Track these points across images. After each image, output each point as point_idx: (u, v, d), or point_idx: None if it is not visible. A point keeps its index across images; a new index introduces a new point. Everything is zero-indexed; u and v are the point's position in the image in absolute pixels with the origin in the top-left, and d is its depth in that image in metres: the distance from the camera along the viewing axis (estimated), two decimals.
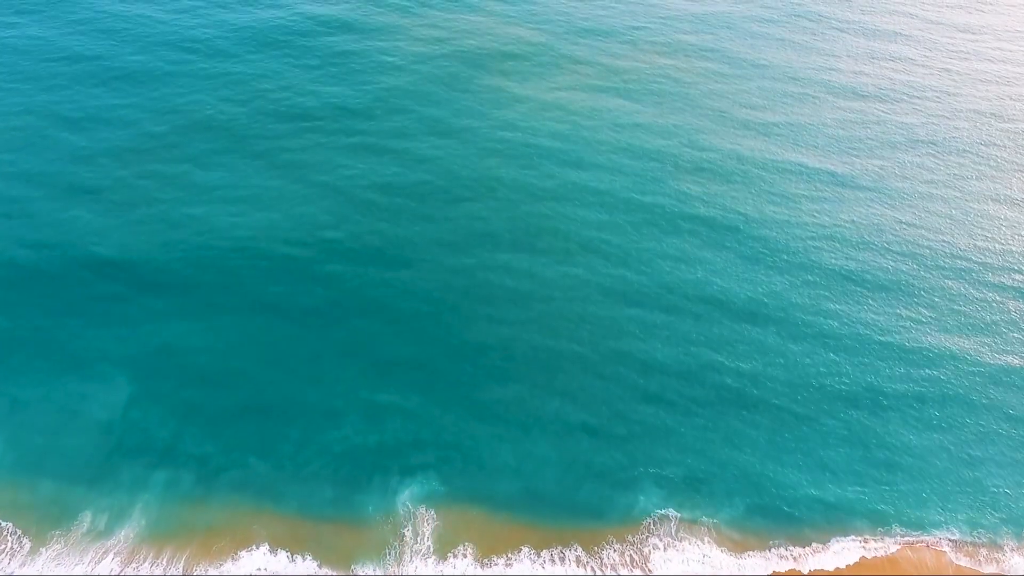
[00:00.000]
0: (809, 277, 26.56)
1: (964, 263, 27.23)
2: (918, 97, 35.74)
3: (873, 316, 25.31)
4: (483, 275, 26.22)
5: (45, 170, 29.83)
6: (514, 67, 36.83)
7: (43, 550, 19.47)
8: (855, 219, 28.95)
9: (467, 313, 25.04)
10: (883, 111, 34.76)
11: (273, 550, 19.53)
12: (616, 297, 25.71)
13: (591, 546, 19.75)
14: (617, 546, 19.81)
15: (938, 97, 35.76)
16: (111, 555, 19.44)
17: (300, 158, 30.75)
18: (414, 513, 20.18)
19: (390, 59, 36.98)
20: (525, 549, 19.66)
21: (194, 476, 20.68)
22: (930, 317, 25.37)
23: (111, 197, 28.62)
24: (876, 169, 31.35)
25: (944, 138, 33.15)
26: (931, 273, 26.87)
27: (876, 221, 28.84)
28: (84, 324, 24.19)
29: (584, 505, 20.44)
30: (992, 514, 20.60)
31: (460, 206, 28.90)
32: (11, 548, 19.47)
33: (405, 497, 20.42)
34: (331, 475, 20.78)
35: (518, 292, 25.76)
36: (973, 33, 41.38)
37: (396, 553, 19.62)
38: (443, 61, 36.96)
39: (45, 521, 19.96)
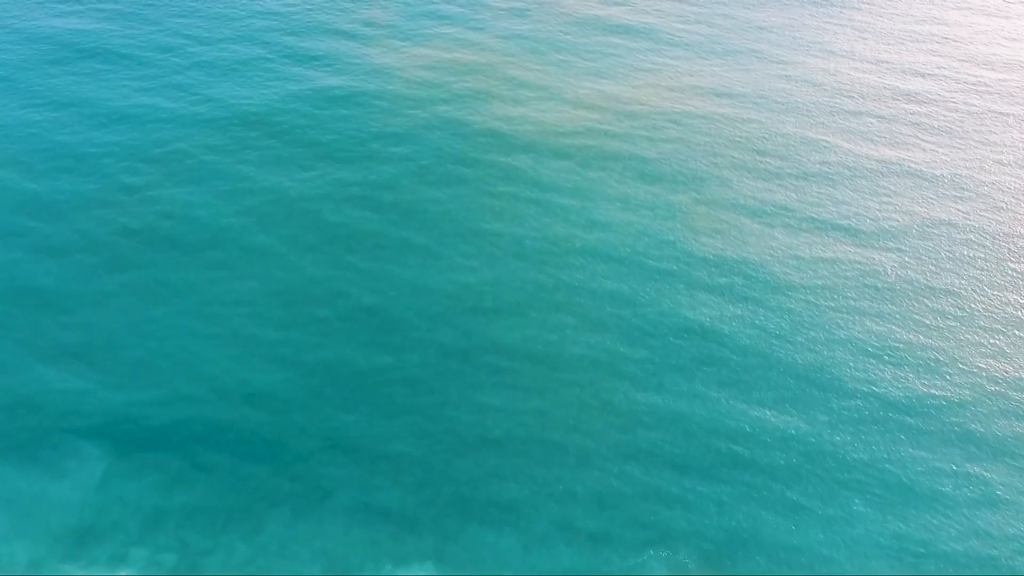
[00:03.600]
0: (833, 371, 25.99)
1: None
2: (945, 146, 35.13)
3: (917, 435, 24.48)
4: (481, 357, 25.35)
5: None
6: (515, 111, 36.46)
7: None
8: (885, 313, 28.10)
9: (462, 401, 24.10)
10: (911, 170, 34.15)
11: None
12: (626, 382, 24.80)
13: None
14: None
15: (964, 147, 35.16)
16: None
17: (280, 227, 30.17)
18: None
19: (381, 105, 36.56)
20: None
21: (176, 556, 20.15)
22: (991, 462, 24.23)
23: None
24: (913, 254, 30.52)
25: (982, 207, 32.37)
26: (989, 399, 25.45)
27: (906, 309, 28.04)
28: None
29: None
30: None
31: (454, 275, 28.11)
32: None
33: None
34: (322, 566, 20.20)
35: (520, 376, 24.88)
36: (1000, 74, 41.01)
37: None
38: (440, 105, 36.60)
39: None
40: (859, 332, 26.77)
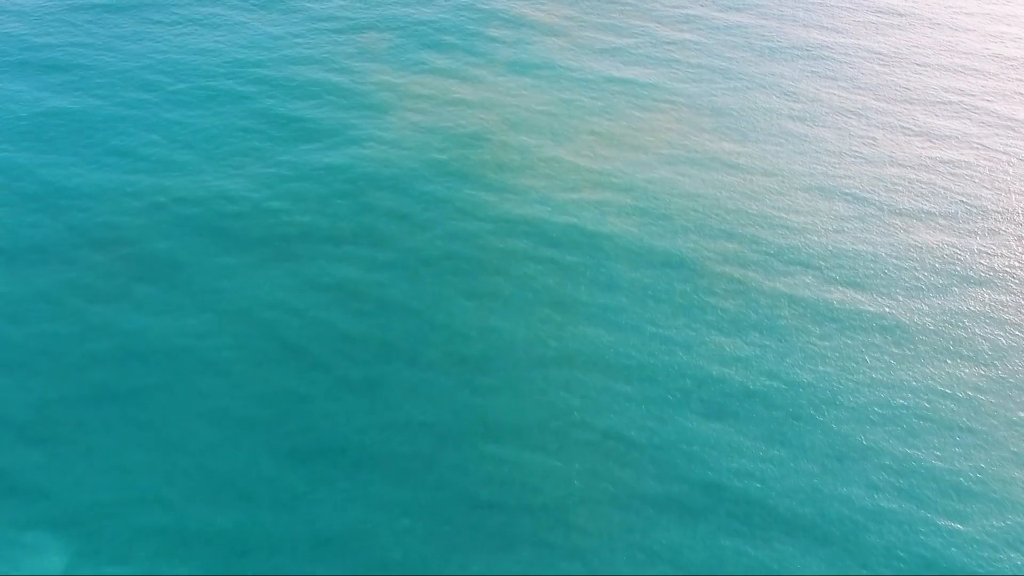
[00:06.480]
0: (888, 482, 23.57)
1: None
2: (981, 213, 33.16)
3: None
4: (479, 469, 23.17)
5: None
6: (519, 177, 34.48)
7: None
8: (916, 391, 26.05)
9: (459, 526, 21.80)
10: (943, 234, 32.13)
11: None
12: (635, 500, 22.50)
13: None
14: None
15: (1002, 213, 33.21)
16: None
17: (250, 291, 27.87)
18: None
19: (371, 169, 34.60)
20: None
21: None
22: None
23: None
24: (946, 323, 28.54)
25: (1015, 266, 30.49)
26: None
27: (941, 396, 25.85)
28: None
29: None
30: None
31: (446, 372, 25.91)
32: None
33: None
34: None
35: (521, 490, 22.70)
36: None
37: None
38: (439, 173, 34.62)
39: None
40: (891, 414, 24.43)
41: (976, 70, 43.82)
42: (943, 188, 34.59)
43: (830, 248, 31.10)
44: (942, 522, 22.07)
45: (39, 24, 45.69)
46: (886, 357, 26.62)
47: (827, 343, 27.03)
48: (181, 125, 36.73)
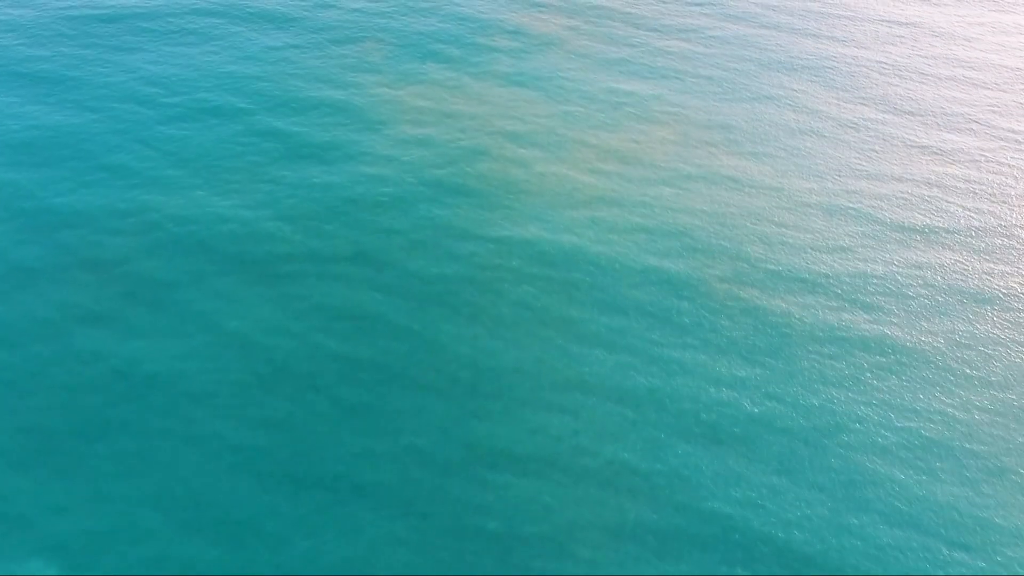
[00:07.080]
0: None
1: None
2: (989, 229, 32.76)
3: None
4: (479, 496, 22.58)
5: None
6: (507, 190, 33.90)
7: None
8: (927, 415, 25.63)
9: (458, 556, 21.24)
10: (951, 251, 31.73)
11: None
12: (638, 529, 21.97)
13: None
14: None
15: (1010, 228, 32.81)
16: None
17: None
18: None
19: (367, 188, 34.10)
20: None
21: None
22: None
23: None
24: (957, 340, 28.08)
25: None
26: None
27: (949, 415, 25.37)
28: None
29: None
30: None
31: (444, 395, 25.46)
32: None
33: None
34: None
35: (521, 519, 22.18)
36: None
37: None
38: (430, 166, 34.05)
39: None
40: (899, 438, 23.90)
41: (982, 82, 43.44)
42: (950, 204, 34.18)
43: (836, 266, 30.71)
44: (951, 551, 21.63)
45: (30, 35, 45.39)
46: (893, 378, 26.20)
47: (833, 364, 26.62)
48: (174, 140, 36.35)
